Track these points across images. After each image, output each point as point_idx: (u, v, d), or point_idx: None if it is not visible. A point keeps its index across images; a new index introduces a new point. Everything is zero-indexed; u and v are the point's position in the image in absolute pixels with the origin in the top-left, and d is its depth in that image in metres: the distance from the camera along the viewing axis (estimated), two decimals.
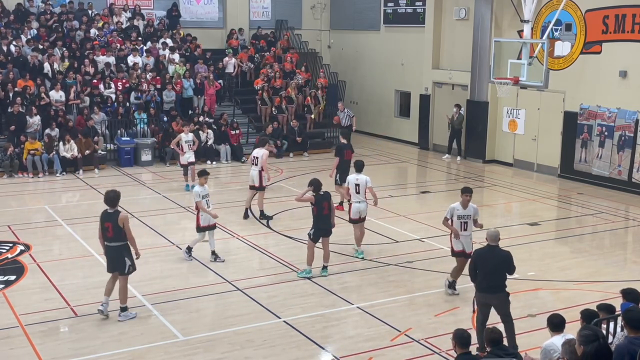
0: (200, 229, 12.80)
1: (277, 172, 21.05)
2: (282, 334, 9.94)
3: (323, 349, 9.58)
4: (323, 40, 30.38)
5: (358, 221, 13.21)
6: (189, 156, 18.26)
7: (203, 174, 13.11)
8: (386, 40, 27.26)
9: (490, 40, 21.63)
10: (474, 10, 22.80)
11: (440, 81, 24.84)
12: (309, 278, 12.02)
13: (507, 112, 22.22)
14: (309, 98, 24.70)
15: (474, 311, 9.59)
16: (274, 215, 15.81)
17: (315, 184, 11.97)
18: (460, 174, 21.50)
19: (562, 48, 20.49)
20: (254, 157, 15.79)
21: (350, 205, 13.41)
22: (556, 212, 17.37)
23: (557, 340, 7.08)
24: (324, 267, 12.27)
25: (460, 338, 6.83)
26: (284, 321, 10.36)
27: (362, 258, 13.07)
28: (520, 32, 20.82)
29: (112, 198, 10.28)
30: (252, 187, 15.79)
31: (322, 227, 12.02)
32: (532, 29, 20.25)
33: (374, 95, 27.83)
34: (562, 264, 13.22)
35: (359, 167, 13.45)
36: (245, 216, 15.85)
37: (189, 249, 13.04)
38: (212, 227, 12.90)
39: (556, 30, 20.45)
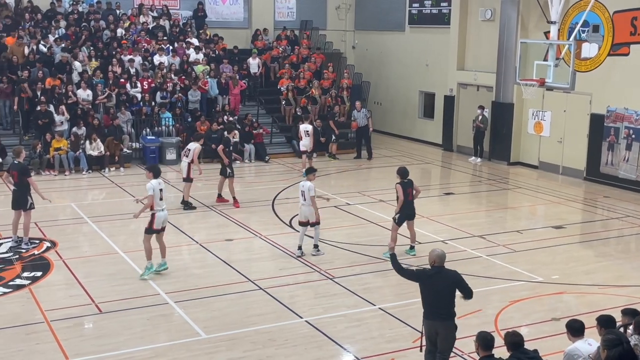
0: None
1: (300, 172, 21.04)
2: (304, 334, 9.96)
3: (345, 349, 9.58)
4: (347, 41, 30.37)
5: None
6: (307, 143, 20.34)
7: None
8: (411, 40, 27.17)
9: (516, 41, 21.47)
10: (500, 11, 22.65)
11: (465, 82, 24.71)
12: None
13: (533, 114, 22.03)
14: (329, 99, 24.66)
15: (420, 347, 8.47)
16: (296, 216, 15.79)
17: (401, 172, 12.86)
18: (484, 176, 21.38)
19: (589, 50, 20.29)
20: (187, 149, 16.60)
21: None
22: (581, 215, 17.19)
23: (580, 345, 7.00)
24: (411, 247, 13.11)
25: (484, 340, 6.79)
26: (306, 321, 10.37)
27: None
28: (546, 34, 20.63)
29: None
30: (184, 179, 16.64)
31: (407, 212, 12.90)
32: (558, 30, 20.03)
33: (398, 96, 27.76)
34: (587, 268, 13.09)
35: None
36: (186, 207, 16.45)
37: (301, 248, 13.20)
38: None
39: (583, 31, 20.24)
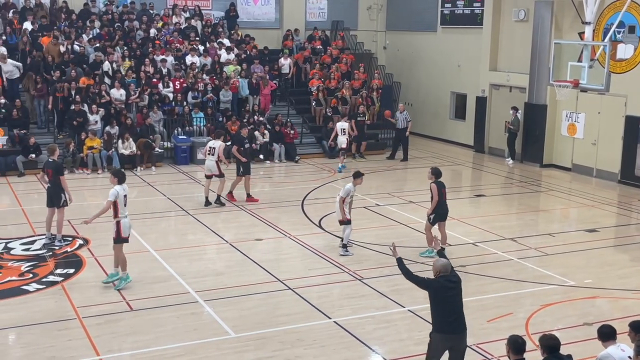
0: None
1: (330, 172, 21.08)
2: (332, 334, 9.95)
3: (373, 350, 9.55)
4: (379, 41, 30.29)
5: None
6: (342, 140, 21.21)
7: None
8: (443, 41, 27.02)
9: (550, 42, 21.22)
10: (534, 11, 22.42)
11: (497, 83, 24.49)
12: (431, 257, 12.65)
13: (566, 116, 21.78)
14: (360, 99, 24.63)
15: None
16: (325, 217, 15.81)
17: (436, 172, 12.88)
18: (516, 178, 21.16)
19: (625, 51, 19.97)
20: (210, 148, 16.77)
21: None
22: (616, 219, 16.92)
23: (613, 351, 6.88)
24: (442, 248, 12.70)
25: (515, 344, 6.70)
26: (335, 322, 10.36)
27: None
28: (581, 34, 20.32)
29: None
30: (208, 177, 16.83)
31: (440, 212, 12.90)
32: (593, 31, 19.72)
33: (430, 97, 27.62)
34: (621, 272, 12.88)
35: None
36: (207, 204, 16.64)
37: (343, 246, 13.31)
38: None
39: (619, 32, 19.93)
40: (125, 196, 11.34)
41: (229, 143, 19.03)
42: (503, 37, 24.30)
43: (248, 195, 17.21)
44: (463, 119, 26.35)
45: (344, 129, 21.52)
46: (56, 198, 13.52)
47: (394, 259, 8.13)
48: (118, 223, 11.30)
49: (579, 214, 17.41)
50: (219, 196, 16.91)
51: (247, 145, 17.56)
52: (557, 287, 11.97)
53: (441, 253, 8.59)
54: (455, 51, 26.33)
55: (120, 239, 11.42)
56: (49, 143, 19.54)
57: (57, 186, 13.50)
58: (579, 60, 18.53)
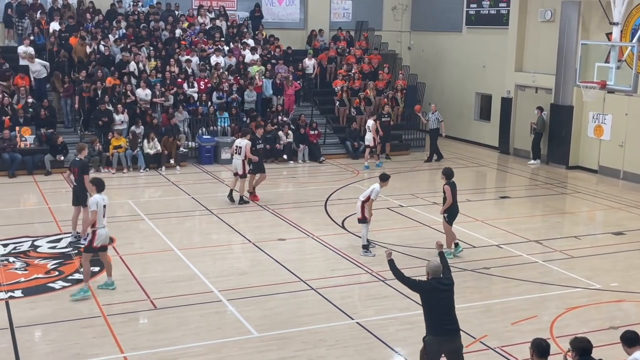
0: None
1: (354, 173, 21.06)
2: (354, 335, 9.94)
3: (396, 352, 9.52)
4: (403, 42, 30.20)
5: None
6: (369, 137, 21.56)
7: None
8: (468, 41, 26.86)
9: (576, 42, 21.02)
10: (561, 11, 22.21)
11: (523, 84, 24.29)
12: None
13: (593, 117, 21.54)
14: (385, 100, 24.58)
15: None
16: (348, 217, 15.79)
17: (447, 173, 12.99)
18: (541, 180, 20.97)
19: None
20: (237, 146, 16.94)
21: None
22: None
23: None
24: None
25: (539, 347, 6.64)
26: (357, 322, 10.35)
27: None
28: (608, 35, 20.10)
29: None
30: (234, 174, 17.01)
31: (455, 212, 13.04)
32: (621, 31, 19.48)
33: (454, 98, 27.47)
34: None
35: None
36: (231, 199, 16.93)
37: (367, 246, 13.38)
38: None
39: None
40: (104, 206, 11.08)
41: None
42: (529, 37, 24.10)
43: (253, 191, 17.32)
44: (488, 120, 26.17)
45: (369, 127, 21.82)
46: (82, 197, 13.65)
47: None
48: (94, 232, 10.95)
49: (605, 216, 17.21)
50: (242, 197, 16.99)
51: (259, 145, 17.66)
52: (583, 290, 11.84)
53: (442, 254, 8.56)
54: (480, 52, 26.17)
55: (90, 248, 11.04)
56: (76, 142, 19.83)
57: (83, 185, 13.63)
58: (606, 61, 18.33)
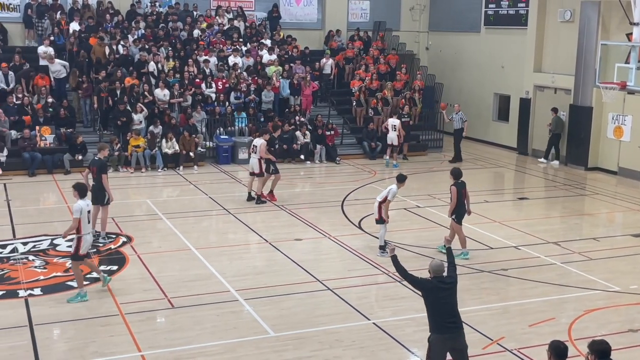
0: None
1: (371, 173, 21.04)
2: (371, 336, 9.92)
3: (412, 353, 9.50)
4: (421, 42, 30.12)
5: None
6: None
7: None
8: (486, 42, 26.74)
9: (596, 43, 20.85)
10: (580, 12, 22.03)
11: (541, 85, 24.14)
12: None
13: (613, 118, 21.36)
14: (403, 100, 24.53)
15: None
16: (365, 218, 15.77)
17: (455, 173, 13.03)
18: (560, 181, 20.82)
19: None
20: (253, 146, 17.03)
21: None
22: None
23: None
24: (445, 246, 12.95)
25: (557, 349, 6.58)
26: (374, 323, 10.33)
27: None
28: (629, 35, 19.91)
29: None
30: (251, 174, 17.06)
31: (462, 212, 13.02)
32: None
33: (472, 98, 27.34)
34: None
35: None
36: (249, 199, 17.07)
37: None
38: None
39: None
40: (88, 212, 10.90)
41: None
42: (548, 37, 23.94)
43: (270, 191, 17.35)
44: (506, 120, 26.03)
45: (395, 125, 21.89)
46: (100, 196, 13.76)
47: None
48: (79, 239, 10.73)
49: (624, 218, 17.05)
50: (259, 196, 17.03)
51: (277, 146, 17.68)
52: (601, 292, 11.75)
53: (449, 250, 8.56)
54: (498, 52, 26.03)
55: (77, 256, 10.85)
56: (95, 142, 20.01)
57: (101, 184, 13.73)
58: (626, 62, 18.19)
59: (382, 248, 13.28)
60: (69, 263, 12.54)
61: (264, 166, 16.98)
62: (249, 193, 17.21)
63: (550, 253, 13.70)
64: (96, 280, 11.77)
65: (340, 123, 24.46)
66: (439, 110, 25.46)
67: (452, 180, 13.14)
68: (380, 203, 13.16)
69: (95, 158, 14.03)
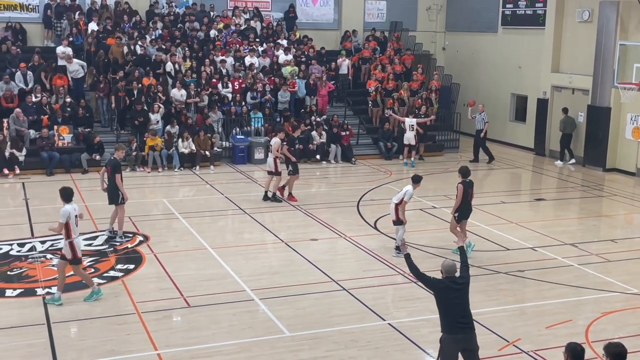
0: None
1: (386, 173, 21.00)
2: (386, 337, 9.91)
3: (428, 354, 9.47)
4: (438, 42, 30.02)
5: None
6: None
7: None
8: (503, 42, 26.61)
9: (615, 43, 20.69)
10: (598, 12, 21.86)
11: (559, 85, 23.98)
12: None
13: (631, 119, 21.18)
14: (419, 100, 24.47)
15: None
16: (380, 218, 15.75)
17: (463, 171, 13.06)
18: (577, 182, 20.67)
19: None
20: (270, 145, 17.40)
21: None
22: None
23: None
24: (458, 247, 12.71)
25: (574, 351, 6.54)
26: (389, 323, 10.32)
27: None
28: None
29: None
30: (269, 173, 17.21)
31: (465, 212, 13.07)
32: None
33: (489, 99, 27.18)
34: None
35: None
36: (265, 198, 17.15)
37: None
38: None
39: None
40: (76, 216, 10.71)
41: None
42: (566, 38, 23.79)
43: (289, 194, 17.35)
44: (523, 121, 25.89)
45: (412, 125, 21.99)
46: (115, 195, 13.88)
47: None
48: (71, 244, 10.62)
49: None
50: (274, 194, 17.09)
51: (297, 146, 17.69)
52: (619, 294, 11.65)
53: (462, 250, 8.55)
54: (516, 52, 25.90)
55: (76, 260, 10.77)
56: (112, 141, 20.15)
57: (114, 183, 13.83)
58: None
59: (398, 248, 13.26)
60: (87, 262, 12.64)
61: (279, 165, 17.03)
62: (266, 192, 17.26)
63: (567, 255, 13.61)
64: (114, 279, 11.85)
65: (356, 123, 24.44)
66: (455, 110, 25.38)
67: (460, 179, 13.18)
68: (397, 205, 13.13)
69: (111, 157, 14.12)
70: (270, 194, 17.15)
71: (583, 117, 22.55)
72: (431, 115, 24.66)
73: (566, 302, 11.31)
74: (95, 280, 11.78)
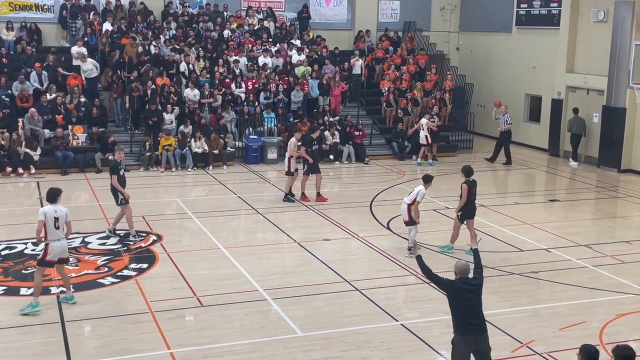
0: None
1: (399, 174, 20.96)
2: (399, 337, 9.89)
3: (440, 355, 9.44)
4: (451, 42, 29.92)
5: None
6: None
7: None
8: (518, 42, 26.48)
9: (630, 43, 20.53)
10: (614, 12, 21.71)
11: (574, 85, 23.83)
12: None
13: None
14: (433, 101, 24.41)
15: None
16: (393, 218, 15.72)
17: (466, 171, 13.12)
18: (592, 183, 20.54)
19: None
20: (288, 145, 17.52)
21: None
22: None
23: None
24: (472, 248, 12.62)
25: (587, 353, 6.50)
26: (402, 324, 10.30)
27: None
28: None
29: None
30: (286, 173, 17.32)
31: (469, 211, 13.06)
32: None
33: (503, 99, 26.95)
34: None
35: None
36: (285, 199, 17.20)
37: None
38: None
39: None
40: (56, 219, 10.23)
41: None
42: (581, 38, 23.64)
43: (318, 194, 17.35)
44: (537, 121, 25.76)
45: (423, 125, 22.21)
46: (114, 196, 14.01)
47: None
48: (47, 245, 10.32)
49: None
50: (286, 194, 17.11)
51: (315, 147, 17.66)
52: (634, 296, 11.56)
53: (476, 252, 8.52)
54: (530, 52, 25.77)
55: (43, 262, 10.41)
56: (126, 141, 20.25)
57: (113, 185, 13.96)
58: None
59: (411, 249, 13.22)
60: (101, 261, 12.71)
61: (292, 165, 17.04)
62: (285, 193, 17.29)
63: (581, 256, 13.52)
64: (127, 278, 11.91)
65: (370, 123, 24.42)
66: (469, 110, 25.29)
67: (463, 178, 13.20)
68: (409, 205, 13.11)
69: (109, 158, 14.15)
70: (288, 194, 17.15)
71: (598, 117, 22.40)
72: (444, 115, 24.66)
73: (580, 303, 11.24)
74: (110, 279, 11.86)
